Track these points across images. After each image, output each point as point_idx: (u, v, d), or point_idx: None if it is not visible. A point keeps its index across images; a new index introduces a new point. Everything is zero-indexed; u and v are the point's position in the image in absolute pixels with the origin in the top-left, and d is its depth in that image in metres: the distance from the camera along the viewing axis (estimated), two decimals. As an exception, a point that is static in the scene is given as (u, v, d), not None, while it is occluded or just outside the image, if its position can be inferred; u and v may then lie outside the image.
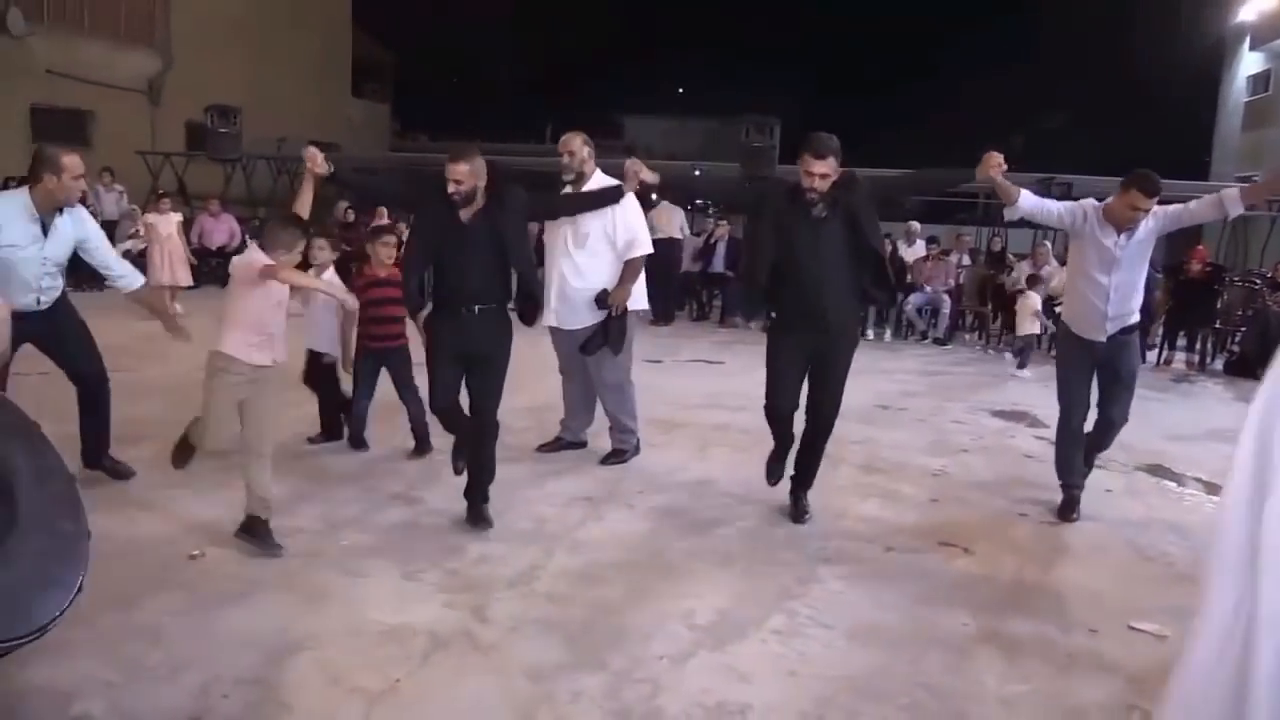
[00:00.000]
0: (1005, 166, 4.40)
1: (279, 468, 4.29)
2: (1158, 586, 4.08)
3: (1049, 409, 7.36)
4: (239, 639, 3.25)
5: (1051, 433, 6.65)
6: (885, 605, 3.72)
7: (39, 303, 4.49)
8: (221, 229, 14.04)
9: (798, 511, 4.67)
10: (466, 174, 4.16)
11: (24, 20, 16.76)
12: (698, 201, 14.56)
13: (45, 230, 4.40)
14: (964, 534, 4.53)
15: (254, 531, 4.00)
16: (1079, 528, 4.78)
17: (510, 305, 4.46)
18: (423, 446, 5.52)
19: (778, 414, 4.61)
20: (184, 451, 4.19)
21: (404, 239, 5.55)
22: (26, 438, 3.02)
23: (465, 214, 4.23)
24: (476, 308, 4.28)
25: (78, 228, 4.55)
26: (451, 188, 4.17)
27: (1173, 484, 5.68)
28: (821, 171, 4.20)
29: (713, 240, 12.34)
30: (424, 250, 4.38)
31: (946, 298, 11.26)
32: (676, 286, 12.23)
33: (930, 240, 11.57)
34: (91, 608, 3.36)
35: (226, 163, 16.21)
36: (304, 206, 4.26)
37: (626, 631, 3.40)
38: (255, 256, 3.87)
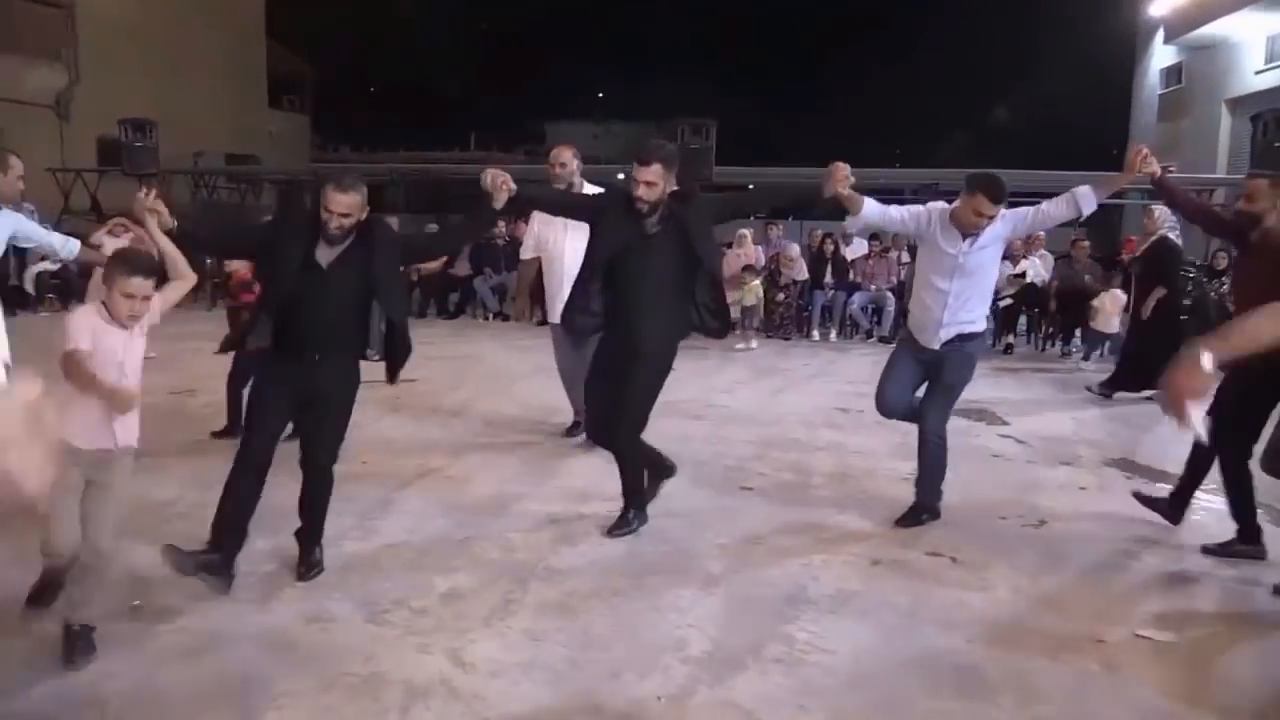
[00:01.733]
0: (851, 179, 4.22)
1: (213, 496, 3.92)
2: (1153, 588, 4.01)
3: (1010, 407, 7.41)
4: (196, 703, 2.94)
5: (1015, 430, 6.71)
6: (885, 625, 3.56)
7: None
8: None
9: (621, 525, 4.41)
10: (354, 205, 3.57)
11: (-83, 34, 15.87)
12: None
13: None
14: (947, 542, 4.41)
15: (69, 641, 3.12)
16: (1061, 529, 4.69)
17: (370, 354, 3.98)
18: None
19: (592, 425, 4.71)
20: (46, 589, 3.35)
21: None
22: None
23: (326, 254, 3.61)
24: (317, 355, 3.68)
25: (5, 221, 4.45)
26: (335, 223, 3.52)
27: (1143, 479, 5.65)
28: (648, 179, 3.98)
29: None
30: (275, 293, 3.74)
31: (890, 295, 11.26)
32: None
33: (872, 238, 11.57)
34: (17, 678, 3.04)
35: (143, 178, 15.51)
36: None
37: (618, 670, 3.17)
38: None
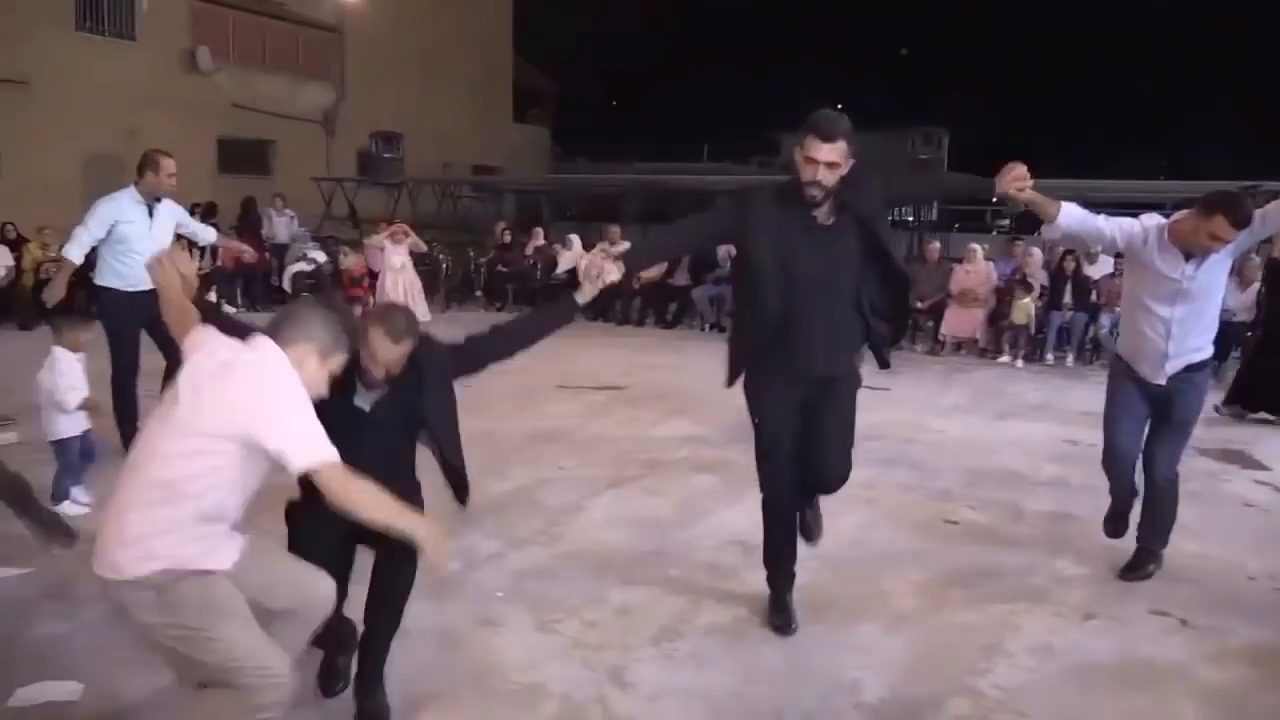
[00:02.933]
0: (1029, 180, 3.38)
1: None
2: None
3: (1270, 449, 6.52)
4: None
5: (1275, 477, 5.88)
6: (1090, 687, 3.16)
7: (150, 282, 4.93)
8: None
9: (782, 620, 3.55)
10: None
11: (211, 58, 17.82)
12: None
13: (151, 213, 5.52)
14: (1179, 600, 3.87)
15: None
16: (1323, 597, 4.02)
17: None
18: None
19: (779, 494, 3.51)
20: None
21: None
22: None
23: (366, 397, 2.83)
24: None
25: (173, 213, 5.70)
26: (379, 373, 2.74)
27: None
28: (829, 160, 3.09)
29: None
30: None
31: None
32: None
33: (1118, 256, 10.58)
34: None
35: (391, 187, 16.71)
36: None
37: (781, 708, 2.98)
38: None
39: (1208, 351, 3.98)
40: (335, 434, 2.37)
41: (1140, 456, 4.10)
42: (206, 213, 15.54)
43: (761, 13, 38.53)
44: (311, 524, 2.66)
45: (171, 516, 2.25)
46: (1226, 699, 3.14)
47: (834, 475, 3.52)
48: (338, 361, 2.48)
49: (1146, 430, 4.07)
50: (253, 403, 2.25)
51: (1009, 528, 4.78)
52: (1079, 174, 16.98)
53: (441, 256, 14.68)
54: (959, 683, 3.16)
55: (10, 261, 11.27)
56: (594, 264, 3.15)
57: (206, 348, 2.39)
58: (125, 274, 5.41)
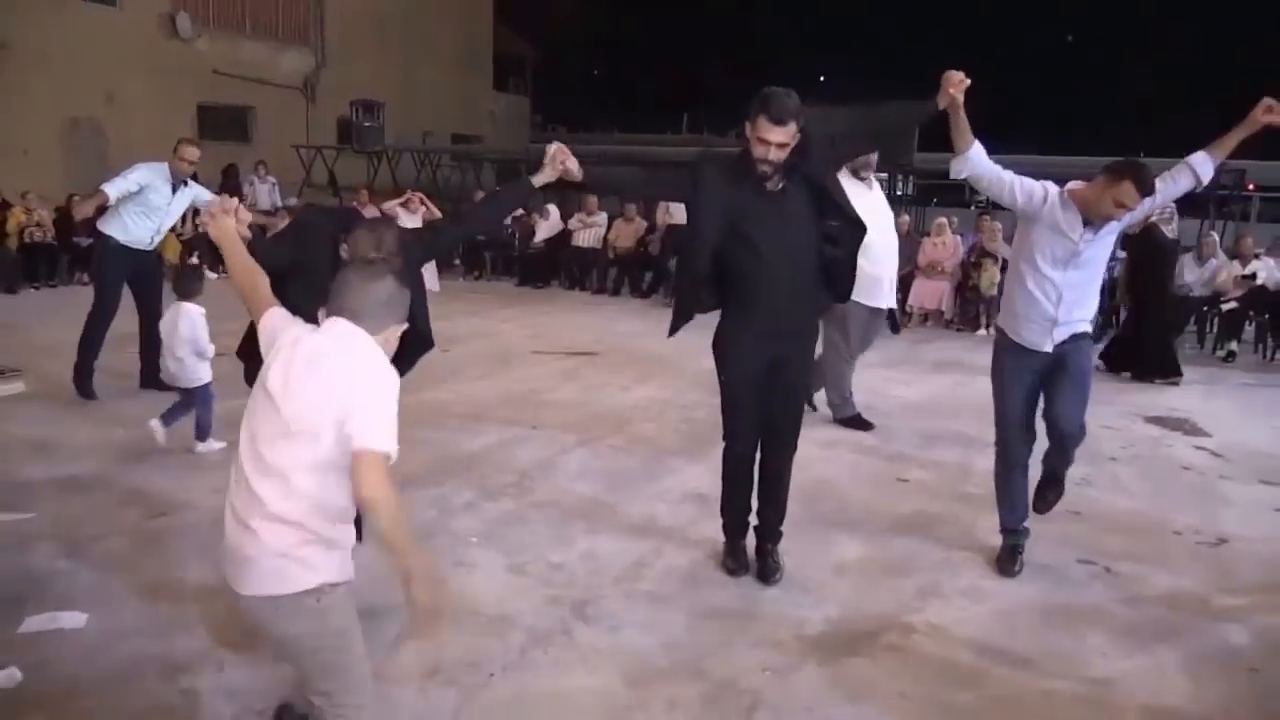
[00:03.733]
0: (967, 82, 3.41)
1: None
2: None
3: (1216, 419, 6.83)
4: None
5: (1214, 443, 6.19)
6: (1012, 627, 3.46)
7: (152, 242, 6.34)
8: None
9: (765, 569, 3.76)
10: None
11: (191, 24, 17.77)
12: None
13: (174, 190, 6.25)
14: (1107, 550, 4.18)
15: None
16: (1243, 549, 4.33)
17: None
18: None
19: (744, 443, 3.73)
20: None
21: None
22: None
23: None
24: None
25: (193, 191, 6.41)
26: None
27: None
28: (780, 140, 3.29)
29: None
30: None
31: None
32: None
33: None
34: (205, 587, 3.47)
35: (371, 155, 16.78)
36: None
37: (731, 640, 3.26)
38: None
39: (1088, 326, 3.94)
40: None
41: (1041, 421, 3.99)
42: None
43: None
44: None
45: (319, 524, 2.16)
46: (1138, 635, 3.43)
47: (792, 425, 3.76)
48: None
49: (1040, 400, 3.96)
50: (348, 395, 2.10)
51: (956, 485, 5.06)
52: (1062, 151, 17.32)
53: (509, 228, 14.66)
54: (894, 619, 3.45)
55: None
56: (560, 152, 3.36)
57: (289, 337, 2.27)
58: (131, 230, 6.20)
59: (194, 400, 5.23)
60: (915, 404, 6.96)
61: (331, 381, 2.12)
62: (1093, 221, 3.71)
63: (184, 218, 13.66)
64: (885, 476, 5.18)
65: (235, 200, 2.97)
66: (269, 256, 2.95)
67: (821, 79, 45.36)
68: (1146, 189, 3.57)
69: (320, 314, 2.33)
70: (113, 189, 6.13)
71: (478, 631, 3.25)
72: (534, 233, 13.29)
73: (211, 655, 3.04)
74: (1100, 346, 8.27)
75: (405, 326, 2.33)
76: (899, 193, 15.58)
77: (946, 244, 10.92)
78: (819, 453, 5.53)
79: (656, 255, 12.64)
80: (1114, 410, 6.77)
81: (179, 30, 17.63)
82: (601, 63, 40.02)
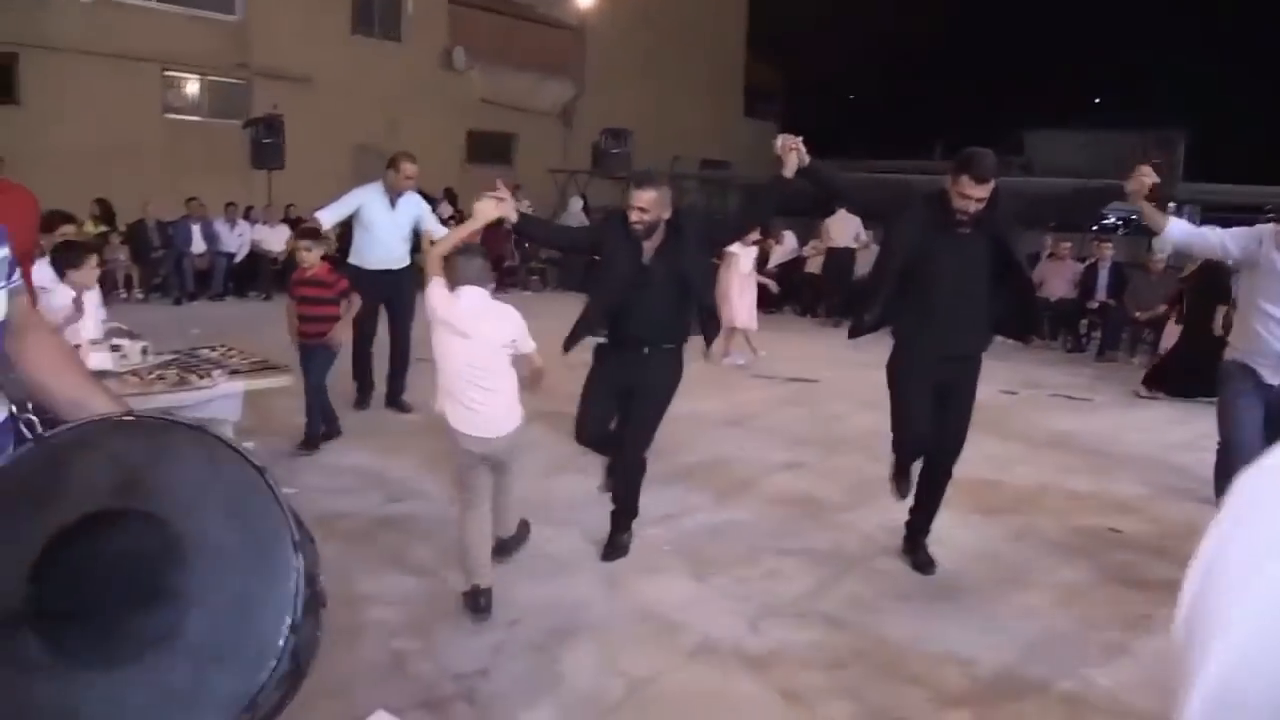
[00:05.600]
0: (1156, 180, 3.80)
1: (591, 468, 4.72)
2: None
3: None
4: (538, 611, 3.61)
5: None
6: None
7: (388, 260, 6.40)
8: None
9: (919, 560, 4.20)
10: (652, 201, 3.91)
11: (465, 57, 19.39)
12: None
13: (393, 204, 6.37)
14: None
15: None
16: None
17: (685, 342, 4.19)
18: (310, 442, 5.55)
19: (911, 447, 4.15)
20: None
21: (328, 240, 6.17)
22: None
23: (648, 248, 3.99)
24: (646, 349, 4.05)
25: (415, 207, 6.52)
26: (635, 216, 3.90)
27: None
28: (980, 196, 3.71)
29: (1095, 263, 11.32)
30: (611, 292, 4.07)
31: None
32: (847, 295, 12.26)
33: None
34: (429, 561, 3.91)
35: (619, 179, 17.59)
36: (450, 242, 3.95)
37: (895, 669, 3.30)
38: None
39: None
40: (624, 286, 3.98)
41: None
42: (450, 199, 17.05)
43: (1001, 6, 36.94)
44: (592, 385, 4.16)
45: (513, 391, 3.67)
46: None
47: (954, 446, 4.12)
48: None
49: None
50: (515, 327, 3.65)
51: (1170, 541, 4.76)
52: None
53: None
54: (1072, 670, 3.35)
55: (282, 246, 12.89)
56: (788, 139, 3.97)
57: (453, 297, 3.59)
58: (365, 253, 6.42)
59: None
60: (1149, 453, 6.54)
61: (503, 321, 3.64)
62: None
63: (448, 235, 15.08)
64: (1097, 525, 4.95)
65: (508, 193, 3.99)
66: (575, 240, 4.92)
67: (1096, 101, 42.73)
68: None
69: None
70: (327, 214, 6.24)
71: (655, 631, 3.48)
72: (769, 257, 13.47)
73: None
74: None
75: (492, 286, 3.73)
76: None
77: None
78: (1028, 495, 5.38)
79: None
80: None
81: (454, 63, 19.28)
82: (853, 89, 39.67)
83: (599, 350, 4.17)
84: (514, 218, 4.01)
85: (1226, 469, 4.29)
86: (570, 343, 4.08)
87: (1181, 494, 5.51)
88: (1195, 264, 8.49)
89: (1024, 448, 6.44)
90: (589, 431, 4.21)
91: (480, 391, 3.57)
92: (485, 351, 3.57)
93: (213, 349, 5.13)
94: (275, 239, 12.86)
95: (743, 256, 8.86)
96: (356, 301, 5.64)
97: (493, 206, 3.92)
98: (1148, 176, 3.81)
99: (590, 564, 4.09)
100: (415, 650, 3.28)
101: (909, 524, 4.32)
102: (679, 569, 4.09)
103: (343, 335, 5.63)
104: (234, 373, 4.36)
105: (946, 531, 4.69)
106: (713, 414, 6.94)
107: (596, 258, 4.27)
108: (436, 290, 3.62)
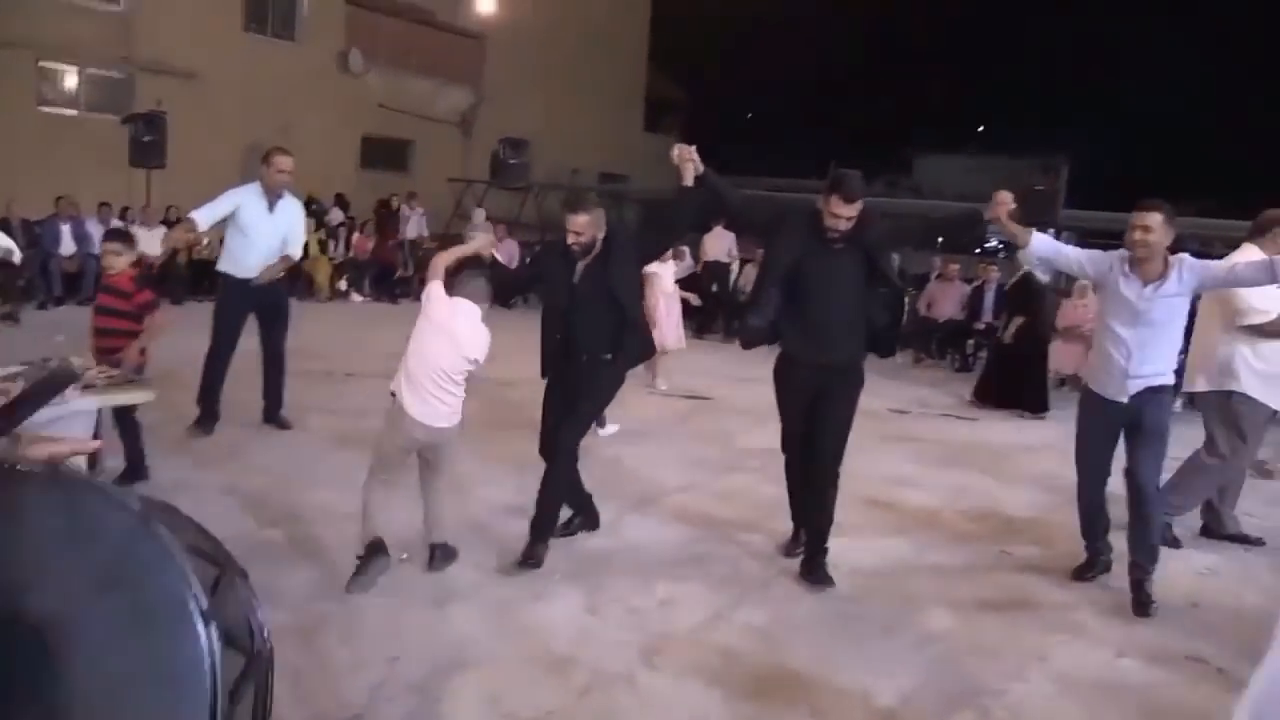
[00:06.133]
0: (1012, 205, 4.28)
1: (509, 481, 4.77)
2: None
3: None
4: (421, 645, 3.39)
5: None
6: None
7: (260, 268, 5.88)
8: (503, 251, 15.01)
9: (816, 579, 4.21)
10: (586, 225, 4.20)
11: (362, 59, 18.89)
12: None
13: (272, 208, 5.91)
14: (1222, 648, 3.88)
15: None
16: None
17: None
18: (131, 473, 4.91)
19: (795, 455, 4.43)
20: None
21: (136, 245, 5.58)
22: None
23: (580, 268, 4.30)
24: (585, 356, 4.31)
25: (293, 215, 6.09)
26: (571, 239, 4.23)
27: None
28: (848, 215, 4.04)
29: (981, 284, 11.63)
30: (546, 305, 4.54)
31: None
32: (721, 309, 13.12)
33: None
34: (300, 595, 3.66)
35: (517, 190, 17.36)
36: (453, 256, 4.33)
37: (794, 701, 3.20)
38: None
39: (1168, 378, 4.28)
40: (561, 301, 4.34)
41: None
42: (341, 205, 16.52)
43: (896, 34, 38.16)
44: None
45: (461, 398, 3.98)
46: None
47: (834, 449, 4.34)
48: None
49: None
50: (486, 349, 3.97)
51: (1063, 564, 4.82)
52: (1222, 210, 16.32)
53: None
54: (969, 701, 3.31)
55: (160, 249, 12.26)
56: (684, 149, 4.23)
57: (436, 299, 3.94)
58: (239, 260, 5.91)
59: None
60: (1038, 474, 6.67)
61: (483, 341, 3.96)
62: (1151, 280, 4.11)
63: (337, 240, 14.61)
64: (988, 548, 4.98)
65: (493, 239, 4.37)
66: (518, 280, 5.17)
67: (980, 130, 44.45)
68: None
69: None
70: (202, 214, 5.76)
71: (544, 668, 3.30)
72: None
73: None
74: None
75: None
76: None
77: (1088, 305, 10.44)
78: (920, 519, 5.40)
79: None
80: (1259, 499, 6.30)
81: (351, 65, 18.75)
82: (752, 108, 40.31)
83: (546, 367, 4.46)
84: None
85: (1079, 497, 4.57)
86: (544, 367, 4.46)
87: (1067, 513, 5.58)
88: (1017, 276, 8.89)
89: (917, 468, 6.48)
90: (547, 445, 4.40)
91: (443, 392, 3.90)
92: (461, 361, 3.90)
93: (69, 360, 4.71)
94: (152, 242, 12.17)
95: (664, 275, 8.64)
96: (160, 321, 4.97)
97: (489, 244, 4.58)
98: (1002, 206, 4.28)
99: (478, 593, 3.89)
100: (283, 695, 3.01)
101: (805, 543, 4.40)
102: (570, 598, 3.92)
103: (137, 357, 4.78)
104: (88, 388, 3.99)
105: (843, 555, 4.65)
106: (607, 432, 6.80)
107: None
108: (438, 292, 3.96)
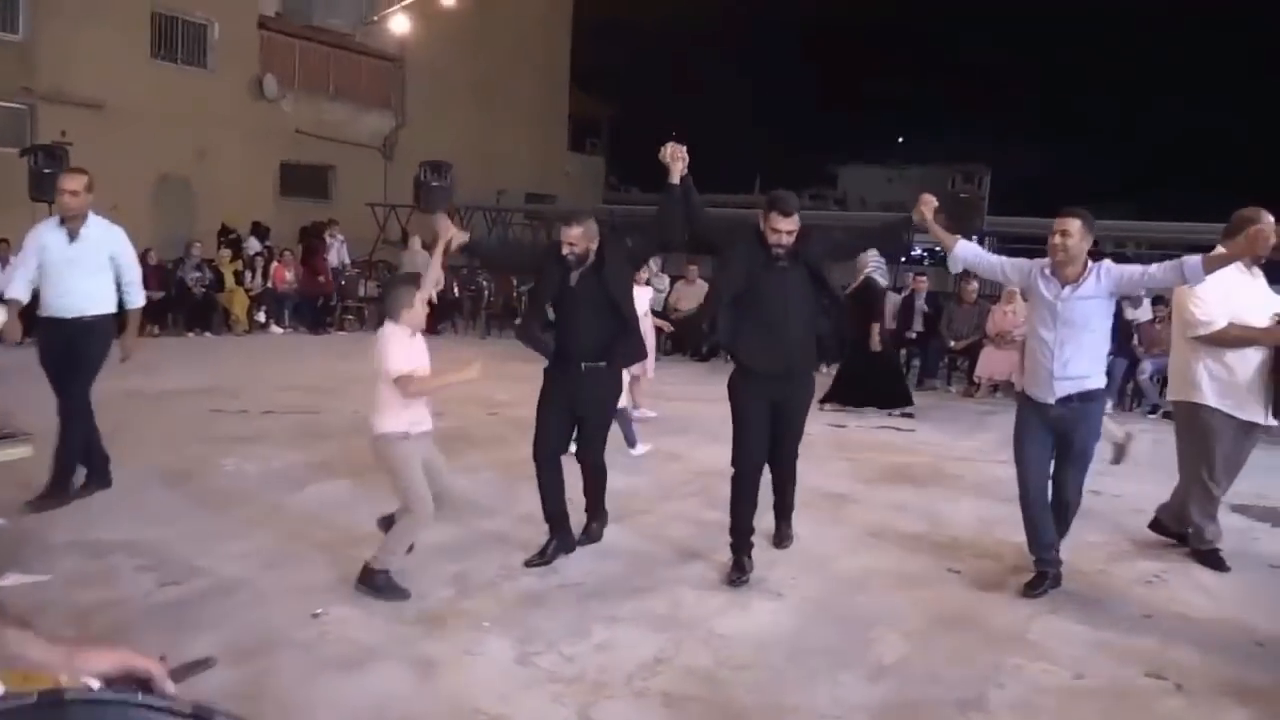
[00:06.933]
0: (936, 204, 4.46)
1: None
2: None
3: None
4: (340, 703, 3.10)
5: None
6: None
7: (67, 307, 5.04)
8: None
9: (777, 540, 4.89)
10: (578, 236, 4.41)
11: (277, 85, 18.39)
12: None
13: (73, 237, 5.05)
14: (1177, 664, 3.76)
15: (371, 583, 4.06)
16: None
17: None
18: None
19: (747, 466, 4.55)
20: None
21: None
22: None
23: (575, 274, 4.48)
24: (583, 365, 4.49)
25: (106, 241, 5.15)
26: (565, 250, 4.42)
27: None
28: (789, 229, 4.29)
29: (912, 294, 11.63)
30: (540, 308, 4.68)
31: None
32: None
33: (1157, 300, 10.39)
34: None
35: (435, 214, 17.00)
36: (434, 274, 4.48)
37: (744, 753, 2.97)
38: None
39: (1097, 383, 4.41)
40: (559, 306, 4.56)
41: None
42: (258, 234, 15.99)
43: (819, 47, 38.69)
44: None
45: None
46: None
47: (790, 450, 4.78)
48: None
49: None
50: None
51: (1011, 581, 4.69)
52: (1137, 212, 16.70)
53: (485, 282, 14.92)
54: (929, 737, 3.12)
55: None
56: (675, 148, 4.39)
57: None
58: (49, 300, 5.10)
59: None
60: (973, 484, 6.58)
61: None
62: (1069, 281, 4.26)
63: (254, 270, 14.07)
64: (935, 567, 4.84)
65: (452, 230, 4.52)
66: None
67: (900, 140, 45.33)
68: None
69: None
70: (17, 282, 5.05)
71: (472, 732, 3.03)
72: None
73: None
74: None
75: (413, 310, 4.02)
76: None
77: (1017, 312, 10.49)
78: (867, 538, 5.24)
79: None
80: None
81: (265, 91, 18.24)
82: (677, 125, 40.45)
83: (545, 372, 4.62)
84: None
85: (1021, 497, 4.58)
86: (539, 350, 4.63)
87: (1010, 526, 5.47)
88: (859, 281, 9.02)
89: (857, 484, 6.34)
90: (541, 448, 4.60)
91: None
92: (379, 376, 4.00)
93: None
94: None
95: (640, 297, 8.30)
96: None
97: (447, 227, 4.59)
98: (927, 205, 4.44)
99: (399, 649, 3.59)
100: None
101: (775, 509, 4.93)
102: (500, 648, 3.64)
103: None
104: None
105: (787, 582, 4.49)
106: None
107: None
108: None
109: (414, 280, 4.15)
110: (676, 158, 4.40)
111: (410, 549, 4.17)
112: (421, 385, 3.99)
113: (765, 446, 4.52)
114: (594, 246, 4.45)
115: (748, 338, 4.43)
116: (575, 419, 4.67)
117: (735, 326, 4.44)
